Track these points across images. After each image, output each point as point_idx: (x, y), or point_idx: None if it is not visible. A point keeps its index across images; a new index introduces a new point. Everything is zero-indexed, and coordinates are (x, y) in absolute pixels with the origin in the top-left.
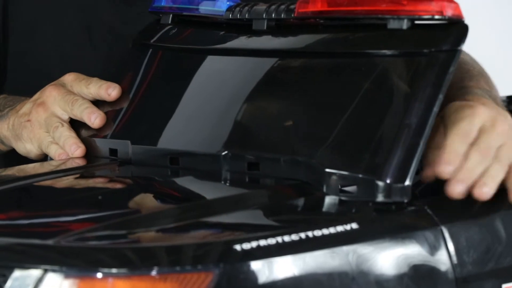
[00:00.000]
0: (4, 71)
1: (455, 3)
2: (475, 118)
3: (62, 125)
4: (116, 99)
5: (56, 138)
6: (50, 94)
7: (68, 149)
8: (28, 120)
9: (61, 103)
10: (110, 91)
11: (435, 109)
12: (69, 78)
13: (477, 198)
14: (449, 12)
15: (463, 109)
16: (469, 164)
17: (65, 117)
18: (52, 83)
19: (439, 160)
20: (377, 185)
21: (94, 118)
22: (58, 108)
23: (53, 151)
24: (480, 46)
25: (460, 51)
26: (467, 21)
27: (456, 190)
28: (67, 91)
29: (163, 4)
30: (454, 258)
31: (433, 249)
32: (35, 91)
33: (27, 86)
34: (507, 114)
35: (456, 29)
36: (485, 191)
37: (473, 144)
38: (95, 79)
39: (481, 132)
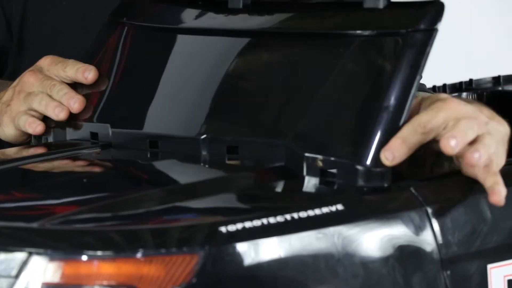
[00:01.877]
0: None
1: None
2: (440, 111)
3: (42, 93)
4: (94, 82)
5: (35, 104)
6: (28, 80)
7: (51, 112)
8: (8, 105)
9: (39, 88)
10: (87, 74)
11: (413, 90)
12: (45, 62)
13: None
14: None
15: (433, 101)
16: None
17: None
18: (30, 68)
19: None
20: (356, 170)
21: (73, 103)
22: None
23: (22, 121)
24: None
25: (437, 30)
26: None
27: (450, 143)
28: (45, 76)
29: None
30: (440, 239)
31: (418, 230)
32: None
33: None
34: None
35: (432, 8)
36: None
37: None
38: (71, 61)
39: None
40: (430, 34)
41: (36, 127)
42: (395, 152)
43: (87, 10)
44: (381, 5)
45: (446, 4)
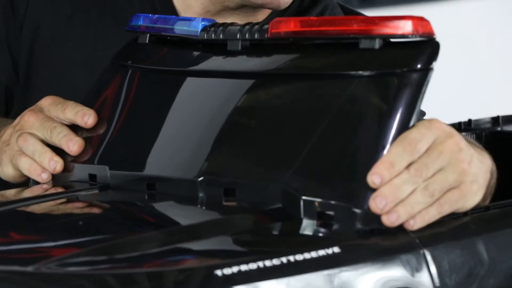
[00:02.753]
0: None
1: (426, 21)
2: (428, 130)
3: (32, 138)
4: (93, 126)
5: (29, 153)
6: (28, 120)
7: (46, 164)
8: (8, 145)
9: (40, 129)
10: (86, 119)
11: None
12: (46, 102)
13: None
14: (419, 31)
15: (421, 121)
16: (395, 180)
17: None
18: (30, 108)
19: (372, 168)
20: (354, 213)
21: (72, 145)
22: (36, 135)
23: (25, 165)
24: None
25: (432, 69)
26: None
27: (374, 204)
28: (45, 116)
29: (140, 23)
30: (437, 282)
31: (415, 272)
32: None
33: None
34: (476, 148)
35: (428, 47)
36: (396, 218)
37: (416, 158)
38: (71, 103)
39: (429, 147)
40: (425, 73)
41: (42, 175)
42: (383, 175)
43: (94, 51)
44: (376, 45)
45: (443, 45)
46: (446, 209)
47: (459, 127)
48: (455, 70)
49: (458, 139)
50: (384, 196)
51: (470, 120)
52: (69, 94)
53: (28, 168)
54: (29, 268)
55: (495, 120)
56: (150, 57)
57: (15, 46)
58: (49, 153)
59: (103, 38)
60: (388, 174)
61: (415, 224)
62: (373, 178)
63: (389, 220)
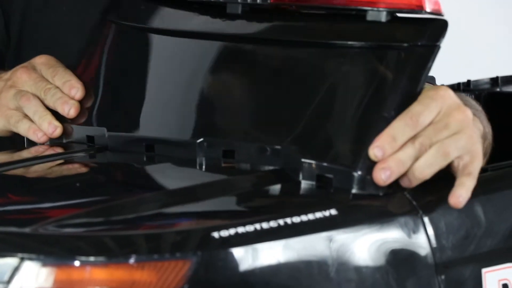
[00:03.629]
0: None
1: None
2: (433, 101)
3: (35, 99)
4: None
5: (30, 113)
6: (21, 77)
7: (45, 127)
8: None
9: (33, 88)
10: (73, 92)
11: (413, 102)
12: (39, 60)
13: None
14: (429, 7)
15: (428, 90)
16: (400, 154)
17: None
18: (23, 64)
19: (374, 141)
20: (352, 177)
21: (68, 109)
22: (29, 92)
23: (25, 126)
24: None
25: (439, 46)
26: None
27: (378, 176)
28: (39, 75)
29: None
30: (434, 243)
31: (412, 235)
32: None
33: None
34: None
35: (436, 24)
36: (408, 184)
37: (419, 132)
38: (61, 70)
39: (435, 118)
40: (432, 49)
41: (41, 137)
42: (385, 149)
43: (87, 15)
44: (383, 18)
45: (445, 3)
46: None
47: (458, 87)
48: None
49: (465, 109)
50: (388, 167)
51: (469, 81)
52: (61, 58)
53: (27, 129)
54: (27, 229)
55: (494, 81)
56: (145, 15)
57: (8, 8)
58: (49, 116)
59: (95, 2)
60: (389, 148)
61: (463, 202)
62: (375, 151)
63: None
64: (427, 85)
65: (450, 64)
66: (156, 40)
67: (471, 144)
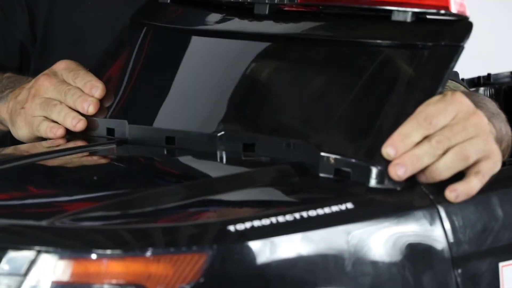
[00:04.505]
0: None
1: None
2: (450, 104)
3: (61, 103)
4: (103, 95)
5: (55, 115)
6: (43, 84)
7: (69, 123)
8: (23, 108)
9: (54, 92)
10: (94, 91)
11: None
12: (60, 66)
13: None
14: (454, 8)
15: (445, 94)
16: (415, 150)
17: None
18: (44, 72)
19: (387, 141)
20: (371, 171)
21: (87, 106)
22: (51, 97)
23: (44, 127)
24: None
25: (463, 47)
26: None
27: (394, 171)
28: (59, 80)
29: None
30: (451, 237)
31: (429, 229)
32: None
33: None
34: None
35: (460, 25)
36: (428, 180)
37: (433, 133)
38: (81, 72)
39: (450, 122)
40: (456, 49)
41: (56, 132)
42: (397, 146)
43: (112, 11)
44: (408, 19)
45: None
46: (485, 179)
47: (478, 81)
48: (476, 23)
49: (481, 115)
50: (403, 164)
51: (489, 75)
52: (87, 54)
53: (45, 129)
54: (43, 222)
55: None
56: (173, 16)
57: (32, 5)
58: (73, 113)
59: (121, 0)
60: (402, 146)
61: (458, 197)
62: (387, 150)
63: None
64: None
65: (471, 58)
66: (179, 39)
67: (489, 147)
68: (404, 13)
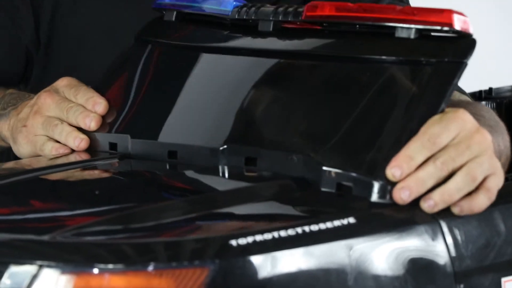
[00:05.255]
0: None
1: (464, 17)
2: (452, 123)
3: (62, 123)
4: (107, 109)
5: (57, 135)
6: (45, 102)
7: (71, 143)
8: (24, 126)
9: (56, 110)
10: (97, 107)
11: None
12: (62, 83)
13: (423, 209)
14: (458, 25)
15: (447, 112)
16: (420, 173)
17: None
18: (46, 89)
19: (391, 162)
20: (373, 185)
21: (89, 122)
22: (53, 115)
23: (48, 147)
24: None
25: (466, 64)
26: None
27: (398, 195)
28: (61, 97)
29: (167, 1)
30: (453, 252)
31: (431, 243)
32: None
33: None
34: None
35: (464, 42)
36: (431, 206)
37: (437, 153)
38: (83, 88)
39: (453, 141)
40: (459, 66)
41: (62, 152)
42: (403, 168)
43: (115, 17)
44: (412, 35)
45: (468, 10)
46: (493, 196)
47: (479, 95)
48: (477, 37)
49: (485, 133)
50: (408, 188)
51: (491, 89)
52: (89, 60)
53: (50, 149)
54: (45, 237)
55: None
56: (177, 34)
57: (37, 10)
58: (74, 132)
59: (124, 5)
60: (407, 167)
61: (462, 212)
62: (392, 171)
63: (424, 206)
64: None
65: (472, 72)
66: (183, 55)
67: (493, 163)
68: (407, 30)
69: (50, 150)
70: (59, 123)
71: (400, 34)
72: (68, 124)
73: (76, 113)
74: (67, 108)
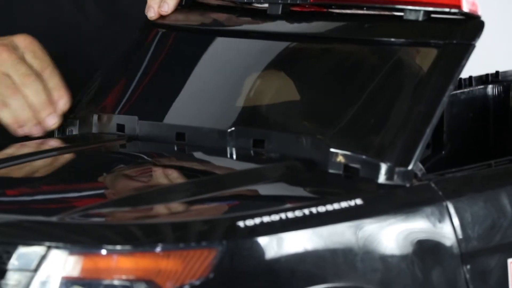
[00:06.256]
0: None
1: None
2: None
3: (17, 93)
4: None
5: (13, 106)
6: (0, 55)
7: (28, 129)
8: None
9: (12, 70)
10: (61, 104)
11: (445, 98)
12: (23, 42)
13: None
14: (466, 7)
15: None
16: None
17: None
18: (3, 42)
19: None
20: (380, 167)
21: (52, 123)
22: (5, 72)
23: (6, 116)
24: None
25: (474, 46)
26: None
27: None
28: (19, 58)
29: None
30: (459, 233)
31: (438, 225)
32: None
33: None
34: None
35: (472, 24)
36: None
37: None
38: (50, 68)
39: None
40: (467, 48)
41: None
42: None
43: None
44: (420, 17)
45: None
46: None
47: (486, 79)
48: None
49: None
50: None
51: (497, 72)
52: (28, 17)
53: (8, 121)
54: (54, 218)
55: None
56: (186, 17)
57: None
58: (33, 120)
59: None
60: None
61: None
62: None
63: None
64: None
65: (479, 55)
66: (192, 38)
67: None
68: (416, 12)
69: (8, 122)
70: (16, 91)
71: (409, 16)
72: (27, 106)
73: (38, 97)
74: (25, 76)
